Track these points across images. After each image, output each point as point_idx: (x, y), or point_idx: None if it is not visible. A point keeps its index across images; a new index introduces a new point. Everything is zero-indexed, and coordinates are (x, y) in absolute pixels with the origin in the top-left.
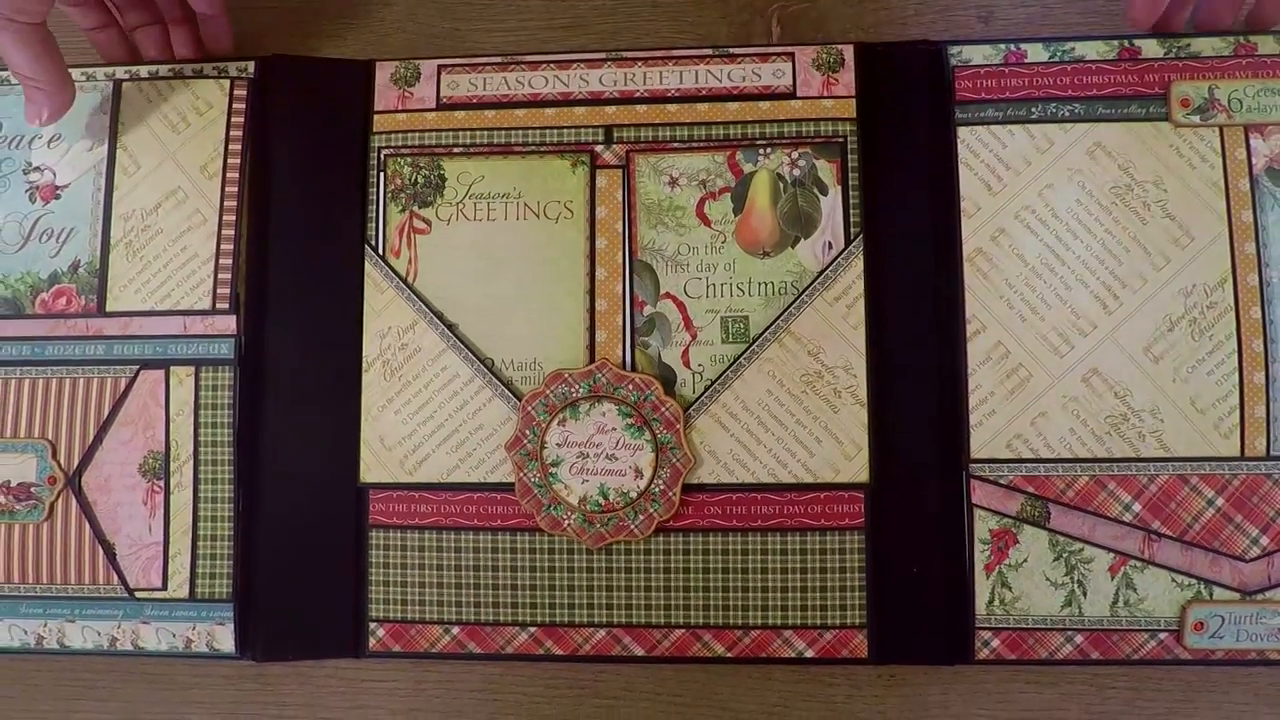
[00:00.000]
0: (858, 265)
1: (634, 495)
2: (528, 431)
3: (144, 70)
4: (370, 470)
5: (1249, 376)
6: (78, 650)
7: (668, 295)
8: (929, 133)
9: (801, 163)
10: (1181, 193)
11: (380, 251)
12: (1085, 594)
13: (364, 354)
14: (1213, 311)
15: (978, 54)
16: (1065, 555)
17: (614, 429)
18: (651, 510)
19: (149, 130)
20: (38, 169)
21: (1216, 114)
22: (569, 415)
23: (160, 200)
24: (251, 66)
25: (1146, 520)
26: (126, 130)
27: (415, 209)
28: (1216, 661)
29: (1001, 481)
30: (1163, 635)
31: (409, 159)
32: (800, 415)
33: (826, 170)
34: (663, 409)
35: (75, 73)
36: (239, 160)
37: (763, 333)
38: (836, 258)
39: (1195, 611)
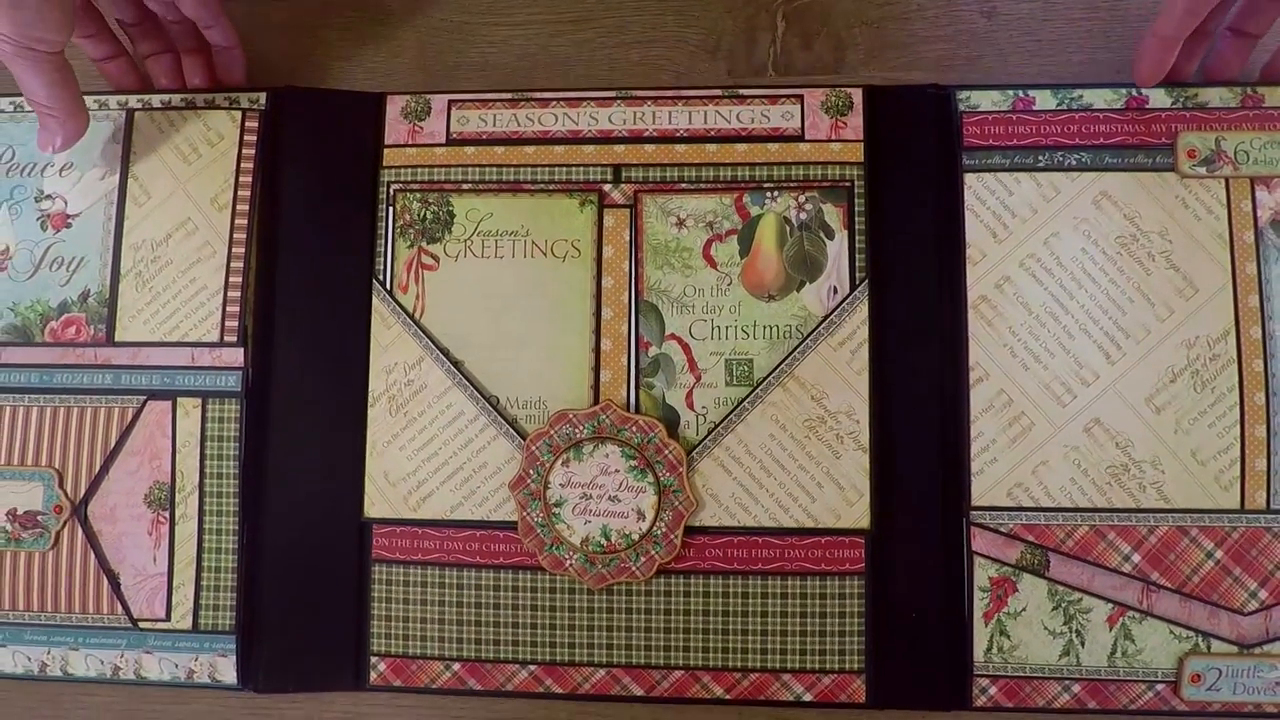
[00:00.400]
0: (862, 310)
1: (636, 537)
2: (531, 471)
3: (156, 100)
4: (374, 505)
5: (1250, 429)
6: (80, 678)
7: (673, 336)
8: (936, 179)
9: (809, 207)
10: (1186, 244)
11: (388, 287)
12: (1083, 644)
13: (370, 389)
14: (1215, 364)
15: (986, 99)
16: (1064, 605)
17: (617, 471)
18: (653, 552)
19: (160, 160)
20: (49, 197)
21: (1223, 165)
22: (573, 456)
23: (170, 231)
24: (263, 98)
25: (1146, 571)
26: (138, 160)
27: (424, 245)
28: (1213, 714)
29: (1002, 529)
30: (1160, 687)
31: (418, 194)
32: (803, 460)
33: (833, 215)
34: (666, 452)
35: (89, 100)
36: (249, 193)
37: (767, 376)
38: (841, 302)
39: (1193, 664)
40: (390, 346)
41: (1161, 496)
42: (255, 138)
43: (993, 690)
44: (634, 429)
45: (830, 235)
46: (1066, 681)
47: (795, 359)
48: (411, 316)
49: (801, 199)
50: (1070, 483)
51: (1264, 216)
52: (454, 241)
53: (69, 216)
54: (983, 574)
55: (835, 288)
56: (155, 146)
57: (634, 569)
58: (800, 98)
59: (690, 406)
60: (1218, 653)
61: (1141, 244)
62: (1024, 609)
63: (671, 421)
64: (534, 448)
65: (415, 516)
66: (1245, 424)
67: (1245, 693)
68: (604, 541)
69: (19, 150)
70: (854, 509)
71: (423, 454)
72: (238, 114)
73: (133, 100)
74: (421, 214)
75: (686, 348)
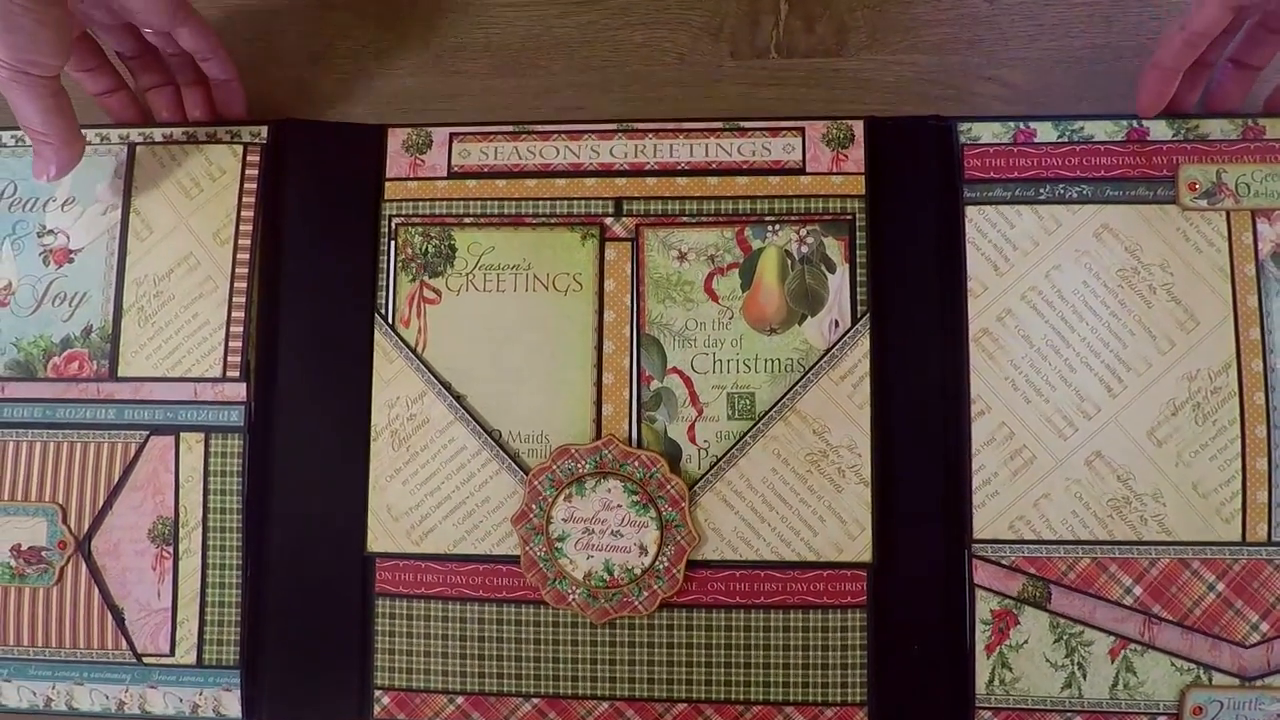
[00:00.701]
0: (864, 344)
1: (639, 572)
2: (534, 506)
3: (158, 134)
4: (377, 540)
5: (1251, 462)
6: (85, 713)
7: (675, 370)
8: (937, 211)
9: (810, 240)
10: (1188, 277)
11: (390, 321)
12: (1085, 676)
13: (372, 423)
14: (1216, 397)
15: (987, 131)
16: (1066, 637)
17: (620, 506)
18: (656, 587)
19: (162, 195)
20: (51, 232)
21: (1224, 198)
22: (575, 491)
23: (173, 266)
24: (264, 131)
25: (1147, 604)
26: (140, 194)
27: (425, 279)
28: None
29: (1004, 562)
30: (1162, 719)
31: (420, 228)
32: (804, 494)
33: (834, 248)
34: (668, 487)
35: (90, 134)
36: (251, 227)
37: (769, 410)
38: (843, 336)
39: (1194, 696)
40: (392, 381)
41: (1163, 529)
42: (257, 171)
43: None
44: (636, 464)
45: (832, 269)
46: (1069, 714)
47: (797, 393)
48: (413, 350)
49: (803, 232)
50: (1072, 515)
51: (1265, 249)
52: (456, 275)
53: (71, 252)
54: (984, 606)
55: (837, 321)
56: (157, 181)
57: (637, 603)
58: (801, 130)
59: (692, 440)
60: (1219, 685)
61: (1143, 276)
62: (1026, 641)
63: (674, 456)
64: (536, 483)
65: (418, 551)
66: (1246, 457)
67: None
68: (607, 576)
69: (21, 185)
70: (855, 543)
71: (425, 488)
72: (239, 148)
73: (134, 134)
74: (423, 248)
75: (688, 381)
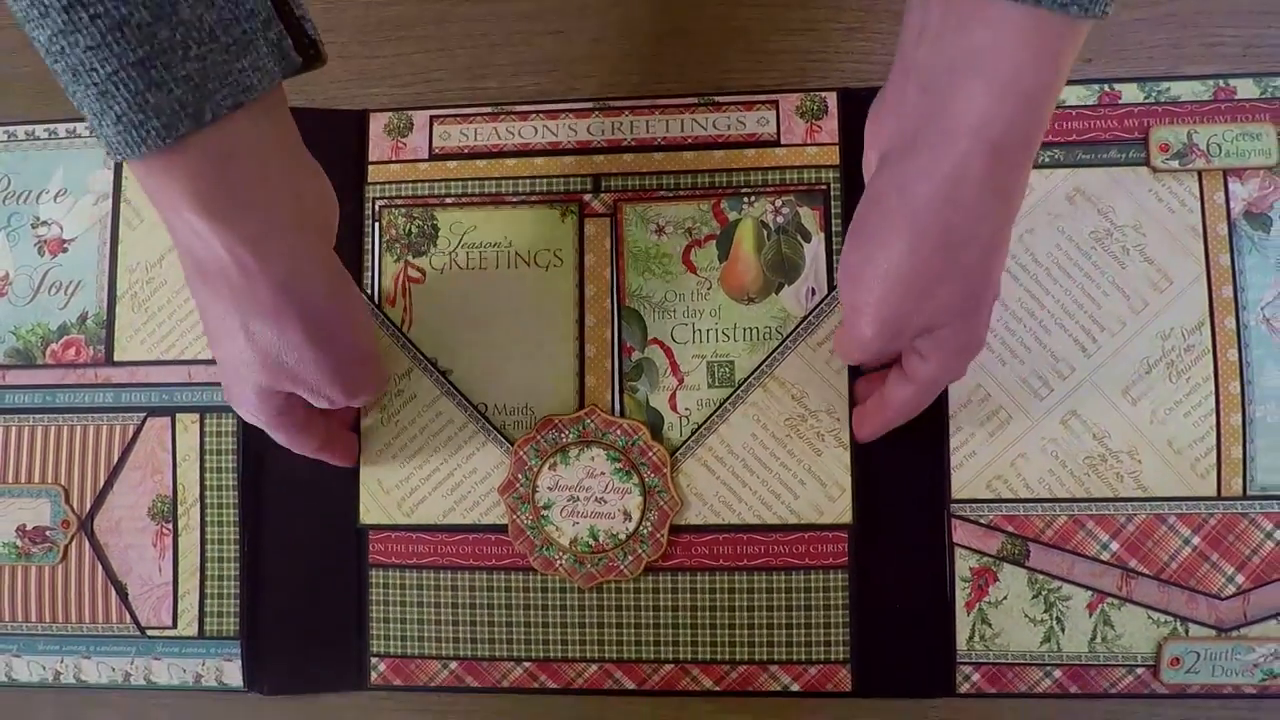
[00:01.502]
0: (840, 311)
1: (623, 537)
2: (520, 476)
3: None
4: (369, 512)
5: (1226, 418)
6: (93, 685)
7: (655, 341)
8: None
9: (785, 210)
10: (1160, 237)
11: (376, 301)
12: (1064, 630)
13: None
14: (1190, 354)
15: None
16: (1044, 593)
17: (603, 473)
18: (640, 551)
19: None
20: (45, 223)
21: (1195, 159)
22: (559, 460)
23: (164, 253)
24: None
25: (1124, 559)
26: (130, 184)
27: (410, 259)
28: (1192, 695)
29: (982, 521)
30: (1140, 670)
31: (403, 210)
32: (784, 459)
33: (810, 217)
34: (650, 454)
35: (79, 126)
36: None
37: (748, 377)
38: (820, 303)
39: (1171, 648)
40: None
41: (1139, 485)
42: None
43: (976, 677)
44: (618, 432)
45: (807, 238)
46: (1048, 667)
47: (775, 359)
48: (400, 330)
49: (778, 203)
50: (1049, 474)
51: (1237, 208)
52: (439, 254)
53: (65, 241)
54: (964, 565)
55: (814, 289)
56: None
57: (622, 567)
58: (775, 103)
59: (674, 409)
60: (1196, 637)
61: (1116, 238)
62: (1005, 598)
63: (656, 424)
64: (521, 453)
65: (409, 522)
66: (1220, 413)
67: (1223, 674)
68: (592, 542)
69: (14, 179)
70: (836, 504)
71: (414, 462)
72: None
73: None
74: (407, 228)
75: (669, 351)
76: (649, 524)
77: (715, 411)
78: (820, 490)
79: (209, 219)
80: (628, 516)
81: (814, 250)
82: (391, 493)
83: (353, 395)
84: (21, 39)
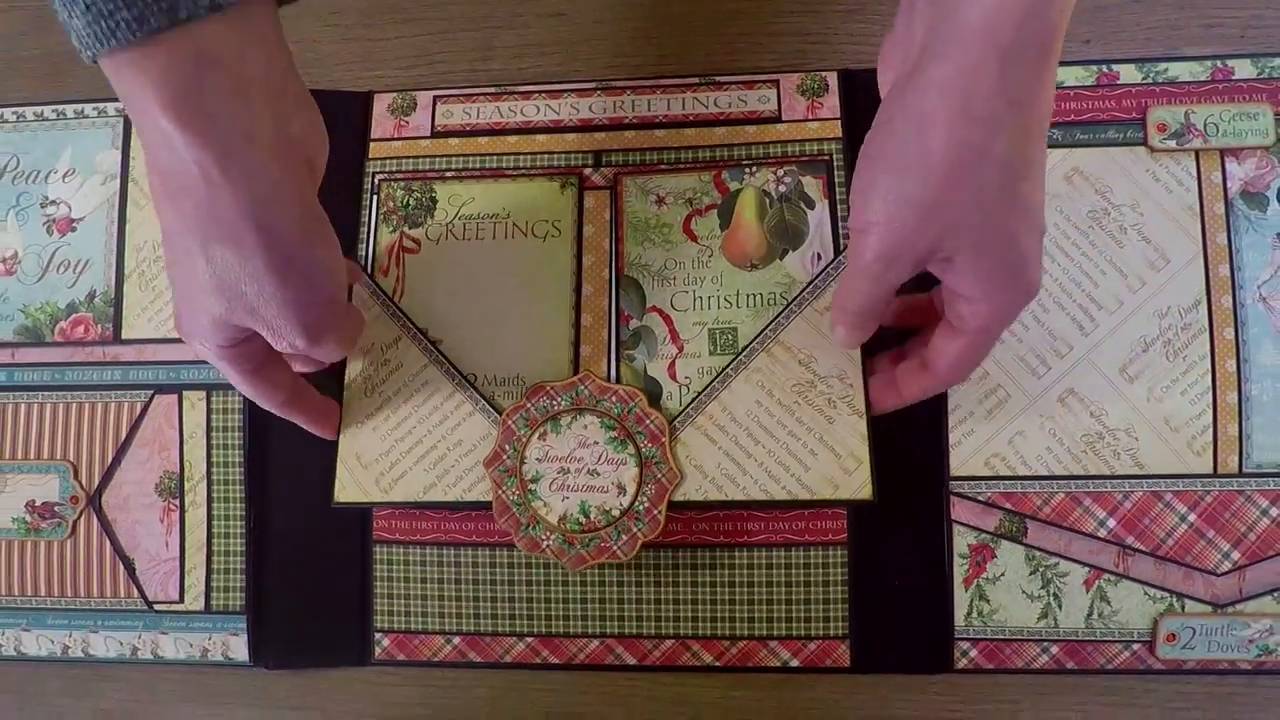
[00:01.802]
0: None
1: (617, 513)
2: (507, 447)
3: None
4: (345, 489)
5: (1222, 396)
6: (101, 659)
7: (654, 309)
8: None
9: (787, 180)
10: (1158, 216)
11: (369, 271)
12: (1061, 606)
13: (345, 372)
14: (1187, 333)
15: None
16: (1041, 569)
17: (596, 443)
18: (636, 530)
19: None
20: (54, 202)
21: (1193, 139)
22: (550, 429)
23: None
24: None
25: (1121, 535)
26: (137, 164)
27: (406, 230)
28: (1188, 671)
29: (980, 498)
30: (1136, 646)
31: (402, 183)
32: (793, 427)
33: (813, 186)
34: (647, 422)
35: (87, 107)
36: None
37: (751, 343)
38: (826, 268)
39: (1168, 623)
40: (368, 328)
41: (1136, 463)
42: None
43: (974, 653)
44: (614, 399)
45: (811, 205)
46: (1045, 643)
47: (780, 324)
48: (390, 298)
49: (780, 173)
50: (1046, 451)
51: (1234, 188)
52: (435, 225)
53: (73, 221)
54: (962, 541)
55: (819, 254)
56: None
57: (615, 548)
58: (776, 82)
59: (673, 377)
60: (1192, 613)
61: (1113, 217)
62: (1003, 574)
63: (654, 394)
64: (510, 421)
65: (386, 499)
66: (1217, 391)
67: (1219, 650)
68: (582, 519)
69: (23, 159)
70: (853, 478)
71: (396, 434)
72: None
73: None
74: (405, 200)
75: (668, 319)
76: (645, 499)
77: (716, 378)
78: (834, 462)
79: (178, 123)
80: (622, 490)
81: (818, 217)
82: (370, 467)
83: (315, 340)
84: (30, 21)
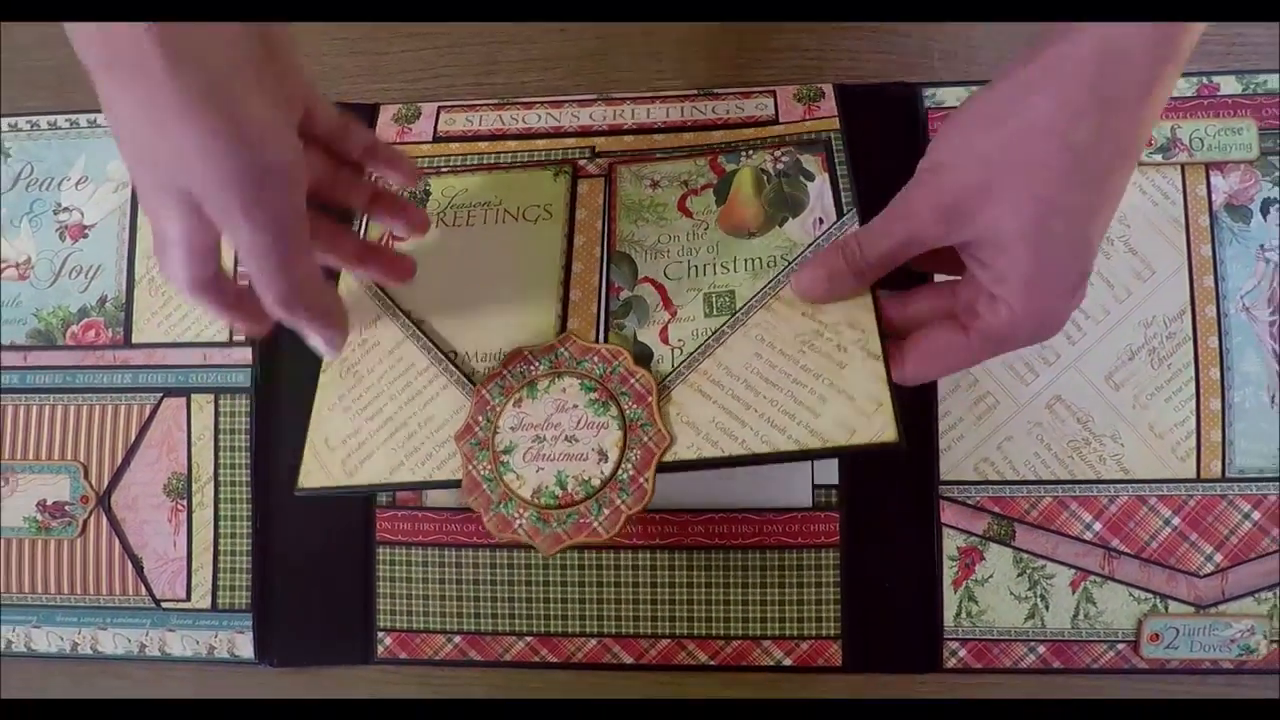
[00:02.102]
0: (854, 227)
1: (597, 484)
2: (480, 418)
3: None
4: (310, 475)
5: (1206, 403)
6: (109, 656)
7: (646, 279)
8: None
9: (785, 159)
10: (1144, 228)
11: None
12: (1048, 607)
13: (322, 360)
14: (1172, 341)
15: (951, 96)
16: (1029, 571)
17: (575, 406)
18: (619, 502)
19: None
20: (67, 209)
21: (1178, 153)
22: (526, 394)
23: None
24: None
25: (1106, 538)
26: None
27: None
28: (1171, 670)
29: (969, 502)
30: (1121, 646)
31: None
32: (799, 375)
33: (812, 162)
34: (632, 380)
35: (99, 117)
36: None
37: (750, 301)
38: (829, 229)
39: (1152, 624)
40: (349, 311)
41: (1121, 468)
42: None
43: (962, 652)
44: (596, 359)
45: (810, 178)
46: (1032, 643)
47: (780, 283)
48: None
49: (778, 153)
50: (1034, 456)
51: (1218, 200)
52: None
53: (85, 227)
54: (951, 544)
55: (821, 219)
56: None
57: (595, 524)
58: (773, 92)
59: (665, 341)
60: (1175, 613)
61: None
62: (991, 576)
63: (643, 357)
64: (485, 391)
65: (350, 483)
66: (1201, 398)
67: (1202, 650)
68: (559, 492)
69: (37, 166)
70: (872, 421)
71: (365, 413)
72: None
73: None
74: (399, 193)
75: (661, 288)
76: (630, 465)
77: (711, 336)
78: (848, 405)
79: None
80: (603, 456)
81: (819, 188)
82: (336, 449)
83: (248, 214)
84: (45, 33)
